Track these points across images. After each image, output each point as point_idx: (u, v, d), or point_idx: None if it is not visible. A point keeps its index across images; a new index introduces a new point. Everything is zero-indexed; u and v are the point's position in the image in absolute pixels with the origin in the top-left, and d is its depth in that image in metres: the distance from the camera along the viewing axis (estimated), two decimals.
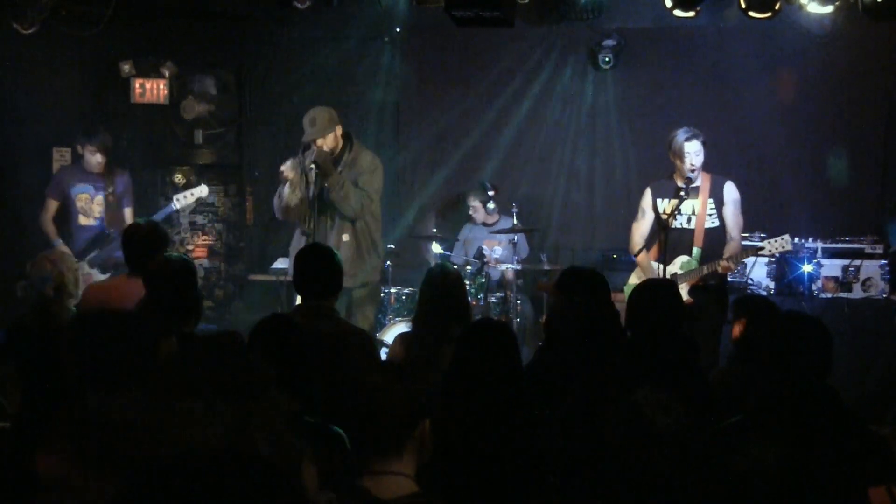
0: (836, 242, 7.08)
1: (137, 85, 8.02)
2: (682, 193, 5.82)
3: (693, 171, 5.84)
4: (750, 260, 6.84)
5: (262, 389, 1.62)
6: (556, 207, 8.27)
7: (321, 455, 1.80)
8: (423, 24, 7.95)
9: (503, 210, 7.76)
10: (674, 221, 5.81)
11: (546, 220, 8.22)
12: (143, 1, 7.68)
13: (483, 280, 7.20)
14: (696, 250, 5.90)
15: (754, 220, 6.62)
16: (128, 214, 7.08)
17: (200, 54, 8.24)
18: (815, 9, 6.38)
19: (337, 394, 2.68)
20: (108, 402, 1.54)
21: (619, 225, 7.16)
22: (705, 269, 5.81)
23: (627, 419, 2.61)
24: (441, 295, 4.63)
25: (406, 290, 7.24)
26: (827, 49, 7.47)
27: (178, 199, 6.82)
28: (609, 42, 7.80)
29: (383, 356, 5.51)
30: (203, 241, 8.54)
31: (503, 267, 7.42)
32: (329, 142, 5.87)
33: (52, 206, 7.09)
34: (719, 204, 5.92)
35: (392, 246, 7.46)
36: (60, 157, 7.99)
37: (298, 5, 7.00)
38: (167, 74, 8.05)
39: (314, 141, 5.85)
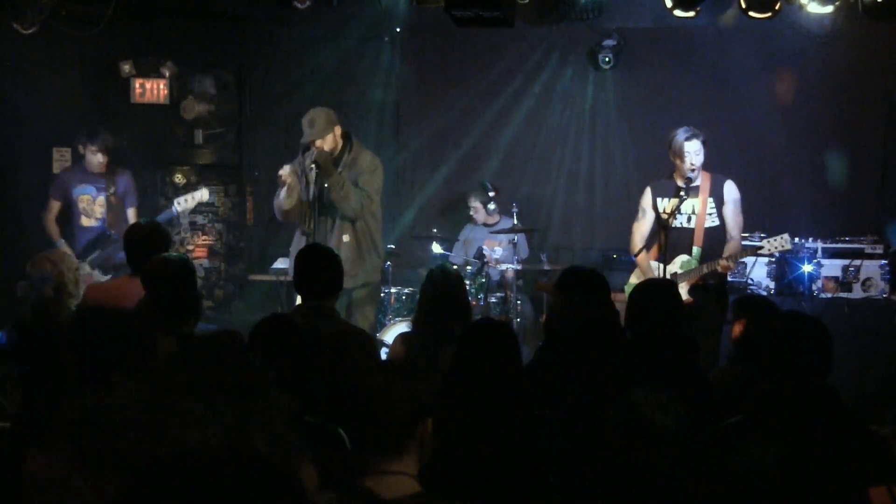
0: (836, 242, 7.08)
1: (137, 85, 8.02)
2: (683, 194, 5.82)
3: (693, 170, 5.84)
4: (750, 260, 6.84)
5: (262, 389, 1.61)
6: (556, 207, 8.27)
7: (321, 455, 1.80)
8: (423, 24, 7.96)
9: (503, 210, 7.76)
10: (674, 221, 5.81)
11: (546, 220, 8.23)
12: (143, 1, 7.68)
13: (483, 280, 7.20)
14: (696, 249, 5.90)
15: (754, 220, 6.62)
16: (131, 214, 7.08)
17: (200, 54, 8.24)
18: (815, 9, 6.39)
19: (337, 394, 2.68)
20: (108, 401, 1.54)
21: (618, 225, 7.16)
22: (705, 269, 5.82)
23: (627, 419, 2.61)
24: (441, 295, 4.63)
25: (406, 290, 7.25)
26: (827, 49, 7.47)
27: (178, 203, 6.82)
28: (609, 42, 7.80)
29: (383, 356, 5.51)
30: (203, 241, 8.54)
31: (503, 267, 7.42)
32: (328, 143, 5.87)
33: (55, 206, 7.11)
34: (719, 203, 5.92)
35: (392, 246, 7.46)
36: (60, 157, 8.00)
37: (298, 5, 7.01)
38: (167, 74, 8.05)
39: (313, 142, 5.85)
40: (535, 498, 3.02)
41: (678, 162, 5.90)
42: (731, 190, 5.95)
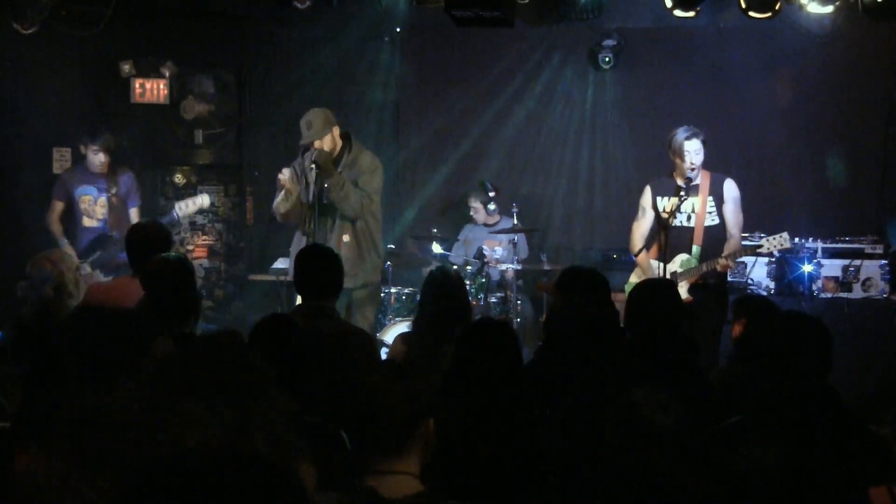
0: (836, 242, 7.08)
1: (137, 85, 8.02)
2: (683, 193, 5.82)
3: (693, 169, 5.84)
4: (750, 260, 6.84)
5: (262, 389, 1.61)
6: (556, 207, 8.27)
7: (321, 455, 1.80)
8: (423, 24, 7.96)
9: (503, 210, 7.76)
10: (673, 220, 5.81)
11: (546, 220, 8.23)
12: (143, 1, 7.68)
13: (483, 280, 7.20)
14: (695, 248, 5.90)
15: (754, 219, 6.61)
16: (133, 214, 7.08)
17: (200, 54, 8.24)
18: (815, 9, 6.39)
19: (337, 394, 2.69)
20: (108, 401, 1.54)
21: (618, 225, 7.17)
22: (704, 267, 5.81)
23: (627, 419, 2.61)
24: (441, 295, 4.64)
25: (406, 290, 7.25)
26: (827, 49, 7.47)
27: (179, 208, 6.80)
28: (609, 42, 7.80)
29: (383, 356, 5.51)
30: (203, 241, 8.54)
31: (503, 267, 7.42)
32: (326, 143, 5.86)
33: (58, 206, 7.12)
34: (719, 202, 5.92)
35: (392, 246, 7.45)
36: (60, 157, 7.99)
37: (298, 5, 7.01)
38: (167, 74, 8.05)
39: (312, 143, 5.85)
40: (535, 498, 3.02)
41: (678, 161, 5.90)
42: (730, 188, 5.94)
